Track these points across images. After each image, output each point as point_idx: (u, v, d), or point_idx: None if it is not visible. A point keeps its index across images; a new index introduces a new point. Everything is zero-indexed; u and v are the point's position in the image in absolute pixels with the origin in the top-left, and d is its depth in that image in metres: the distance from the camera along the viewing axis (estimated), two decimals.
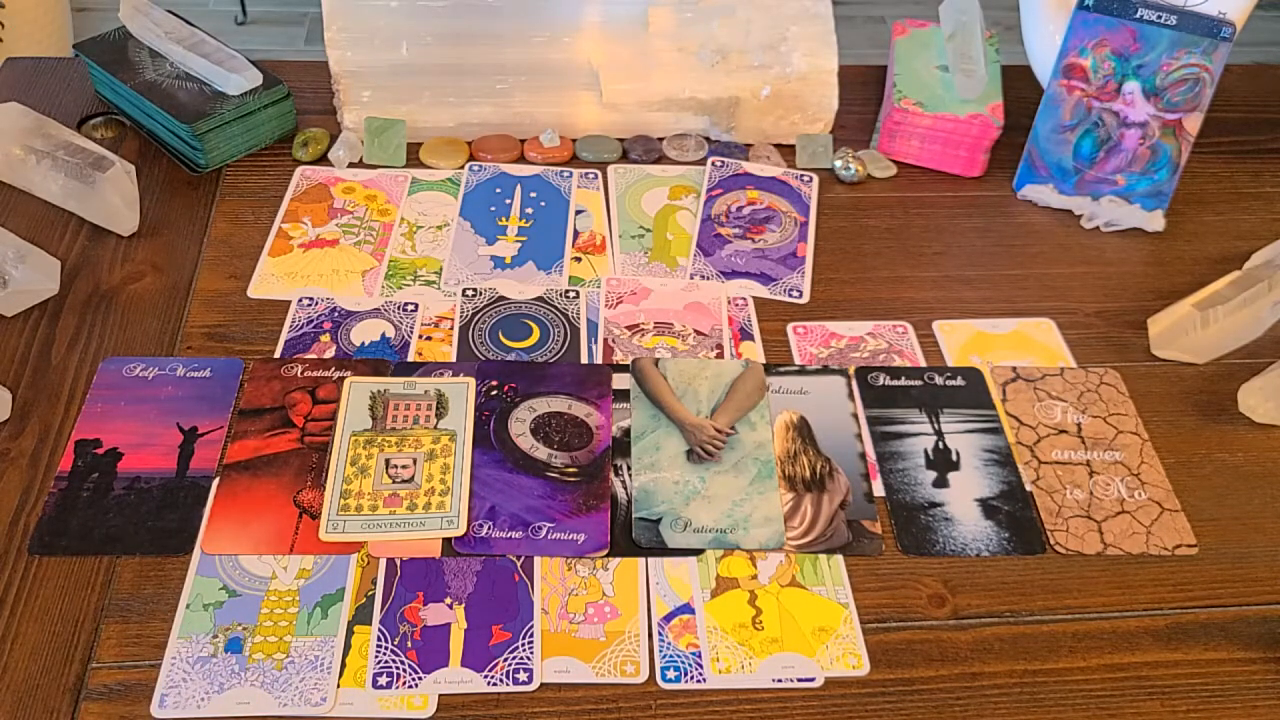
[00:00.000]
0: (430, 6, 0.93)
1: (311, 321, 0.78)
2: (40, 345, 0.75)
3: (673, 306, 0.81)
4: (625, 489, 0.68)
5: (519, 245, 0.85)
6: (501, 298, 0.80)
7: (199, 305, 0.79)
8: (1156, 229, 0.90)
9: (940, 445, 0.72)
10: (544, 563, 0.64)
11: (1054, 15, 0.93)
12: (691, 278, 0.84)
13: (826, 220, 0.90)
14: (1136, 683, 0.61)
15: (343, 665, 0.59)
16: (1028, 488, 0.70)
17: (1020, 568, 0.66)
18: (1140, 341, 0.81)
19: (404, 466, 0.68)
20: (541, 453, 0.70)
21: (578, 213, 0.89)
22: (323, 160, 0.92)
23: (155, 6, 0.95)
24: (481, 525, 0.65)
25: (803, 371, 0.76)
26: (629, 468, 0.69)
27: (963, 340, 0.80)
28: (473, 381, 0.73)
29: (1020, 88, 0.98)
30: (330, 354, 0.75)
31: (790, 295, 0.83)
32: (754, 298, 0.82)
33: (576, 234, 0.87)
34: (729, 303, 0.82)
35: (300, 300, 0.79)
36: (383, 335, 0.77)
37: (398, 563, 0.64)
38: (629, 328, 0.79)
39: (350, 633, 0.60)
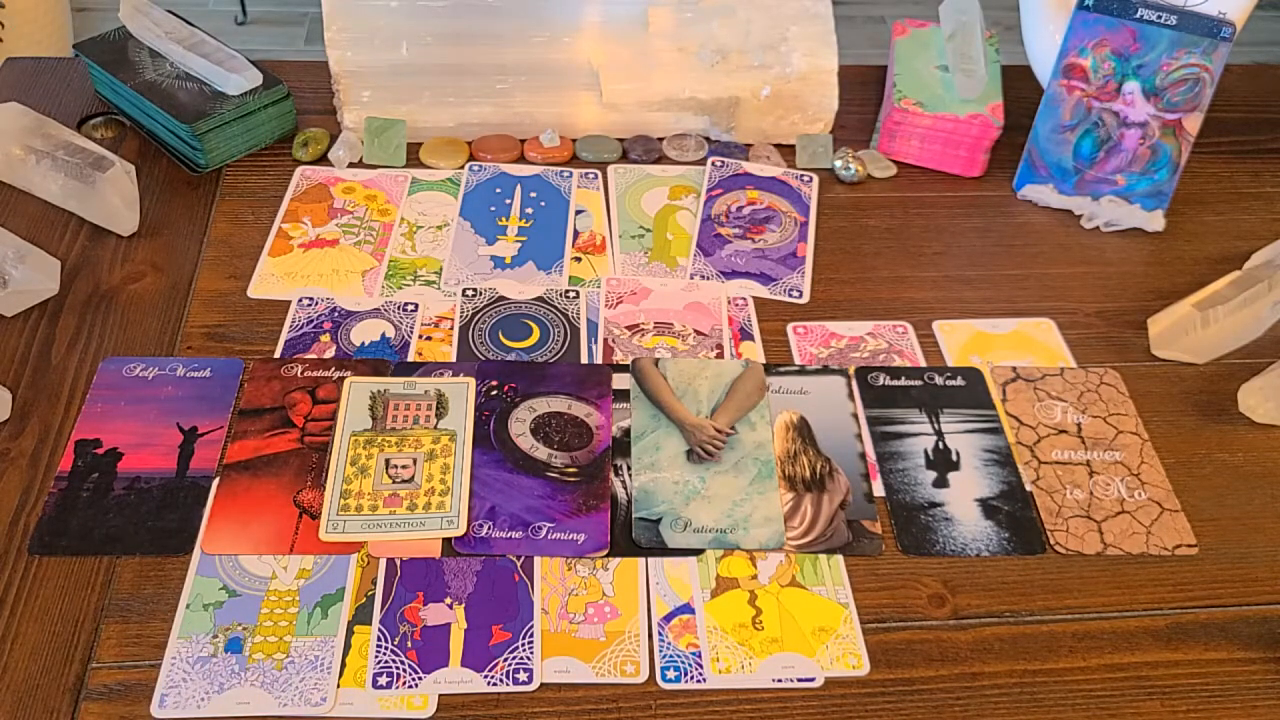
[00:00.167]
0: (430, 6, 0.93)
1: (311, 321, 0.78)
2: (40, 345, 0.75)
3: (673, 306, 0.81)
4: (625, 489, 0.68)
5: (519, 245, 0.85)
6: (501, 298, 0.80)
7: (199, 305, 0.79)
8: (1156, 229, 0.90)
9: (940, 445, 0.72)
10: (544, 563, 0.64)
11: (1054, 15, 0.93)
12: (691, 278, 0.84)
13: (826, 220, 0.90)
14: (1136, 683, 0.61)
15: (343, 665, 0.59)
16: (1028, 488, 0.70)
17: (1020, 568, 0.66)
18: (1140, 341, 0.81)
19: (404, 466, 0.68)
20: (541, 453, 0.70)
21: (578, 213, 0.89)
22: (323, 160, 0.92)
23: (155, 6, 0.95)
24: (481, 525, 0.65)
25: (803, 371, 0.76)
26: (629, 468, 0.69)
27: (963, 340, 0.80)
28: (473, 381, 0.73)
29: (1020, 88, 0.98)
30: (330, 354, 0.75)
31: (790, 295, 0.83)
32: (754, 298, 0.82)
33: (576, 234, 0.87)
34: (729, 303, 0.82)
35: (300, 300, 0.79)
36: (383, 335, 0.77)
37: (398, 563, 0.64)
38: (629, 328, 0.79)
39: (350, 633, 0.60)
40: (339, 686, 0.58)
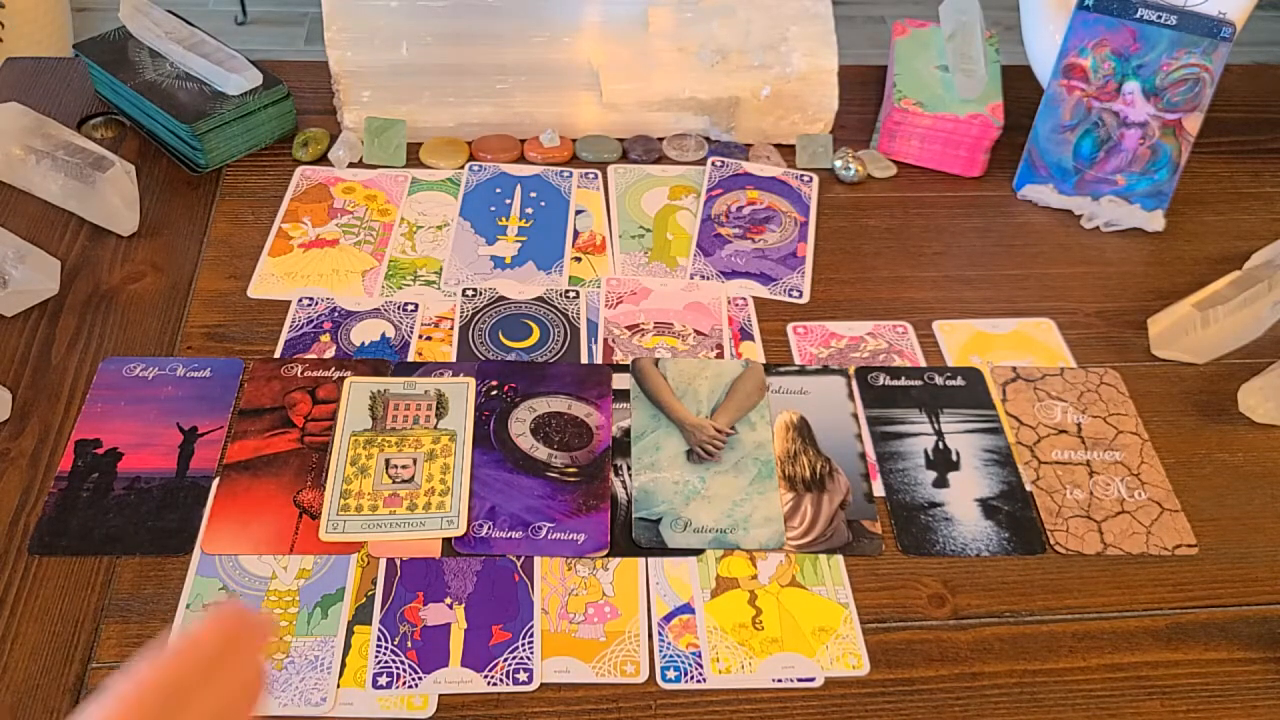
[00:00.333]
0: (430, 6, 0.93)
1: (311, 321, 0.78)
2: (40, 345, 0.75)
3: (673, 306, 0.81)
4: (625, 489, 0.68)
5: (519, 245, 0.85)
6: (501, 298, 0.80)
7: (199, 305, 0.79)
8: (1156, 229, 0.90)
9: (940, 445, 0.72)
10: (544, 563, 0.64)
11: (1054, 15, 0.93)
12: (691, 278, 0.84)
13: (826, 220, 0.90)
14: (1136, 683, 0.61)
15: (343, 665, 0.59)
16: (1028, 488, 0.70)
17: (1020, 568, 0.66)
18: (1140, 341, 0.81)
19: (404, 466, 0.68)
20: (541, 453, 0.70)
21: (578, 213, 0.89)
22: (323, 160, 0.92)
23: (155, 6, 0.95)
24: (481, 525, 0.65)
25: (803, 371, 0.76)
26: (629, 468, 0.69)
27: (963, 340, 0.80)
28: (473, 381, 0.73)
29: (1020, 88, 0.98)
30: (330, 354, 0.75)
31: (790, 295, 0.83)
32: (754, 298, 0.82)
33: (576, 234, 0.87)
34: (729, 303, 0.82)
35: (300, 300, 0.79)
36: (383, 335, 0.77)
37: (398, 563, 0.64)
38: (629, 328, 0.79)
39: (350, 633, 0.60)
40: (339, 686, 0.58)
